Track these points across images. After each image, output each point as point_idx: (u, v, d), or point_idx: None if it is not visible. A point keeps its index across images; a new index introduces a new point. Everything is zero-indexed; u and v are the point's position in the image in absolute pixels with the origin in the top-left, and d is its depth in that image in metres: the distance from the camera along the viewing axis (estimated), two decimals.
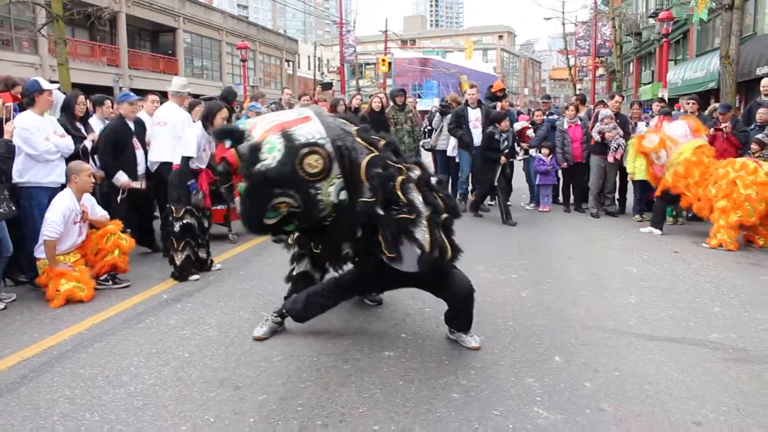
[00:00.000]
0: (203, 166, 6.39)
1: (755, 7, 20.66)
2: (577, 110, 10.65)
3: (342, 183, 3.96)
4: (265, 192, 3.90)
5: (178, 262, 6.30)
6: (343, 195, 3.97)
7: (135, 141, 7.02)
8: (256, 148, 3.94)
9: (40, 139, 5.89)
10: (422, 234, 3.88)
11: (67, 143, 6.16)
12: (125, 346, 4.56)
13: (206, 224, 6.59)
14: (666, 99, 14.71)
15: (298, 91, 28.20)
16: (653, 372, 4.10)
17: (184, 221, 6.25)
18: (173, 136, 7.13)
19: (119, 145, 6.81)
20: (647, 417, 3.51)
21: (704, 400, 3.70)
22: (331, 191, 3.94)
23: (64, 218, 5.65)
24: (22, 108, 6.16)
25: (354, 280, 4.61)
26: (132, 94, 7.13)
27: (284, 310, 4.72)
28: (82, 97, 7.02)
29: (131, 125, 7.01)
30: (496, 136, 9.48)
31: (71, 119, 6.77)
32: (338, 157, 3.96)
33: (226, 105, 6.65)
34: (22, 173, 5.91)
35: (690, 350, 4.48)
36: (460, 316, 4.53)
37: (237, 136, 4.16)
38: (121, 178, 6.78)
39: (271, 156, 3.86)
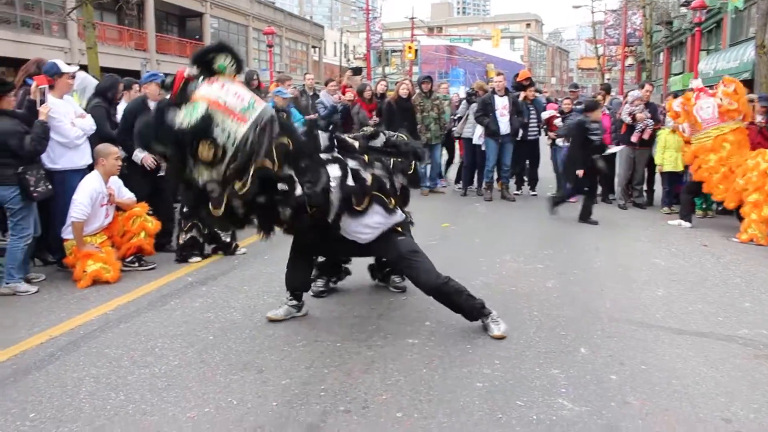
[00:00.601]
0: None
1: None
2: (604, 99, 10.50)
3: None
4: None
5: (180, 242, 6.37)
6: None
7: None
8: (181, 101, 3.93)
9: (67, 125, 5.94)
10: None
11: (90, 123, 6.19)
12: (150, 327, 4.59)
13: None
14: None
15: (324, 77, 28.10)
16: (681, 366, 4.03)
17: None
18: None
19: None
20: (674, 412, 3.44)
21: (733, 396, 3.62)
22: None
23: (91, 200, 5.70)
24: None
25: (316, 242, 4.78)
26: (160, 74, 7.05)
27: (288, 290, 4.83)
28: (121, 85, 7.07)
29: (152, 106, 6.91)
30: (587, 125, 8.86)
31: (108, 105, 6.81)
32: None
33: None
34: (55, 160, 5.96)
35: (719, 345, 4.40)
36: (453, 309, 4.54)
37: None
38: (139, 154, 6.59)
39: (185, 114, 3.85)
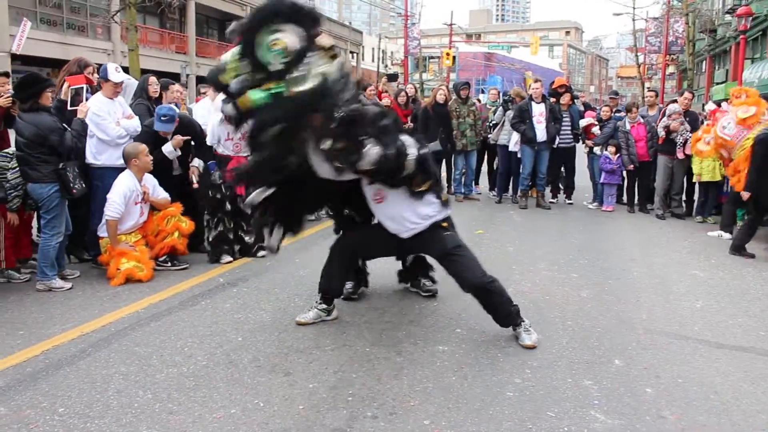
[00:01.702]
0: (231, 153, 6.44)
1: None
2: (637, 108, 10.36)
3: None
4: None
5: (210, 238, 6.43)
6: None
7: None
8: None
9: (111, 124, 6.04)
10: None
11: (135, 125, 6.27)
12: (180, 327, 4.61)
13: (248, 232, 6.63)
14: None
15: (362, 83, 28.30)
16: (720, 381, 3.90)
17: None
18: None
19: (156, 145, 6.39)
20: (712, 428, 3.33)
21: None
22: None
23: (125, 198, 5.76)
24: (94, 90, 6.31)
25: (357, 239, 4.85)
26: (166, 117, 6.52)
27: (319, 292, 4.77)
28: (152, 78, 7.16)
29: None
30: None
31: (150, 102, 6.89)
32: None
33: None
34: (96, 156, 6.09)
35: (760, 361, 4.25)
36: (490, 312, 4.44)
37: None
38: (167, 147, 6.44)
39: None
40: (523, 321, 4.43)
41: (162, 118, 6.23)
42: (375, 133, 4.05)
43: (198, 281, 5.81)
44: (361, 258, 5.20)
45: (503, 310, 4.41)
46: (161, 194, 6.25)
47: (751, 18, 21.38)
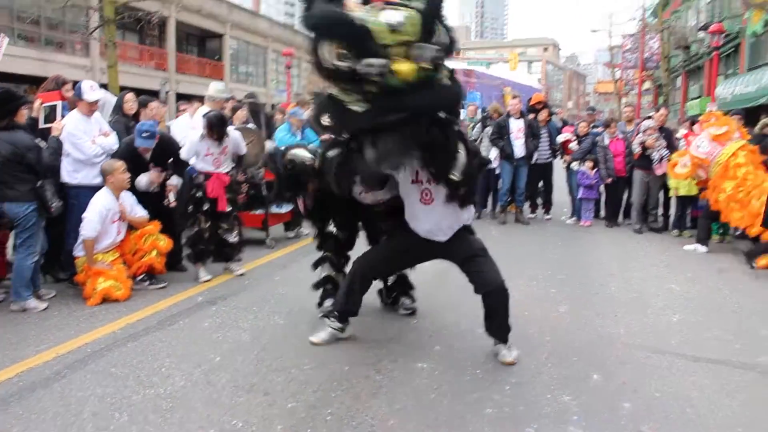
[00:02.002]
0: (210, 169, 6.40)
1: None
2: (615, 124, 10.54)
3: None
4: None
5: (187, 238, 6.43)
6: None
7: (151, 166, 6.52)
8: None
9: (87, 143, 5.99)
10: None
11: (111, 142, 6.23)
12: (158, 347, 4.56)
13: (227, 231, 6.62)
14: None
15: None
16: (696, 395, 3.93)
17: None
18: None
19: (133, 165, 6.22)
20: None
21: (751, 427, 3.52)
22: None
23: (101, 217, 5.71)
24: (72, 107, 6.27)
25: (380, 255, 4.78)
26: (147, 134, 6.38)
27: (335, 311, 4.70)
28: (129, 95, 7.12)
29: (149, 155, 6.45)
30: None
31: (126, 120, 6.86)
32: None
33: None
34: (73, 174, 6.04)
35: (736, 374, 4.29)
36: (494, 317, 4.41)
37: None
38: (143, 179, 6.37)
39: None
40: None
41: (143, 134, 6.19)
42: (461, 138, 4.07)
43: (176, 300, 5.76)
44: (385, 275, 5.20)
45: (504, 320, 4.42)
46: (139, 212, 6.20)
47: (723, 35, 21.77)
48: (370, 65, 3.44)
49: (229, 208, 6.52)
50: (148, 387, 3.87)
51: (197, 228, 6.37)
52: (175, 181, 6.61)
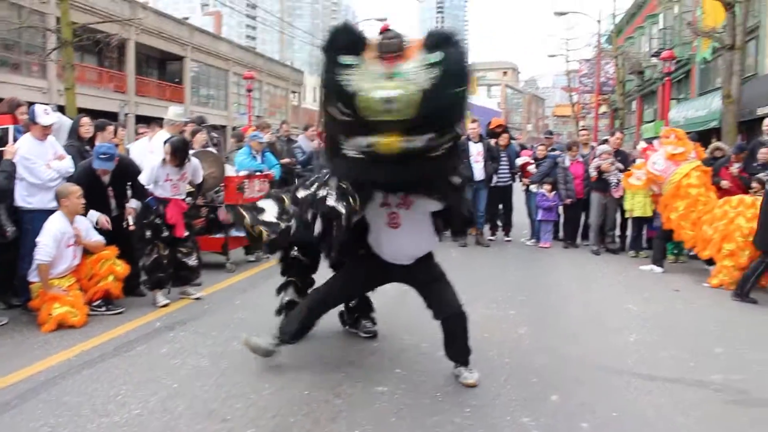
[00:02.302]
0: (168, 195, 6.34)
1: (756, 48, 20.81)
2: (578, 147, 10.77)
3: None
4: None
5: (145, 264, 6.29)
6: None
7: (110, 190, 6.45)
8: None
9: (42, 167, 5.90)
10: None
11: (66, 165, 6.14)
12: (114, 374, 4.47)
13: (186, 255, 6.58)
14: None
15: (303, 122, 28.28)
16: (652, 414, 4.00)
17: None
18: None
19: (88, 194, 6.06)
20: None
21: None
22: None
23: (56, 241, 5.60)
24: (26, 130, 6.17)
25: (334, 289, 4.71)
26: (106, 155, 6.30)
27: (278, 336, 4.64)
28: (85, 119, 7.04)
29: (107, 178, 6.37)
30: None
31: (81, 144, 6.77)
32: None
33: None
34: (27, 199, 5.93)
35: (691, 392, 4.38)
36: (453, 342, 4.46)
37: None
38: (93, 216, 6.28)
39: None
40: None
41: (101, 156, 6.10)
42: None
43: (134, 326, 5.66)
44: (340, 304, 5.18)
45: (464, 344, 4.46)
46: (95, 237, 6.09)
47: (674, 61, 22.44)
48: (354, 146, 3.67)
49: (186, 233, 6.46)
50: (103, 416, 3.79)
51: (155, 255, 6.28)
52: (134, 204, 6.54)
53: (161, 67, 37.93)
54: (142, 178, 6.31)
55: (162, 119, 8.15)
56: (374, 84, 3.56)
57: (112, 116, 23.00)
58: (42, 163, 5.92)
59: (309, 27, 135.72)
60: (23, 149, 5.86)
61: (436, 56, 3.58)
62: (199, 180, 6.78)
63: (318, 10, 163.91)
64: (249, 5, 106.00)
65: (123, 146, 8.95)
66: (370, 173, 3.85)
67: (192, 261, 6.56)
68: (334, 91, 3.64)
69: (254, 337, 4.64)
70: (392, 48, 3.68)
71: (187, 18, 42.30)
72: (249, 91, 28.06)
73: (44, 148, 6.03)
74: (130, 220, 6.51)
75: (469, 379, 4.38)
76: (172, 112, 7.81)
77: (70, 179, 6.09)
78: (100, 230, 6.21)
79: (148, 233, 6.25)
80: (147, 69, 36.27)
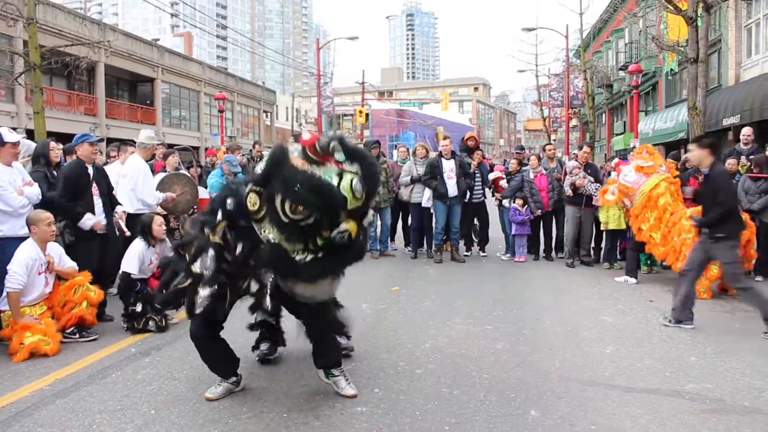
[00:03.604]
0: (147, 276, 6.44)
1: (719, 60, 21.31)
2: (539, 159, 10.98)
3: None
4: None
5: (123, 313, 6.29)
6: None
7: (94, 188, 6.65)
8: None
9: (13, 194, 5.85)
10: None
11: (36, 192, 6.11)
12: (88, 402, 4.40)
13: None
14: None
15: (276, 141, 28.17)
16: (630, 425, 4.03)
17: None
18: (131, 188, 7.14)
19: (78, 189, 6.46)
20: None
21: None
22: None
23: (27, 268, 5.52)
24: None
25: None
26: (91, 134, 6.86)
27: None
28: (53, 143, 6.98)
29: (90, 170, 6.66)
30: None
31: (49, 168, 6.72)
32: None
33: (157, 213, 6.65)
34: None
35: (666, 402, 4.43)
36: (321, 349, 4.56)
37: None
38: (88, 221, 6.42)
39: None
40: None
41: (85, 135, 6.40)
42: None
43: (108, 352, 5.58)
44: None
45: (337, 352, 4.66)
46: (68, 263, 6.02)
47: (641, 74, 22.88)
48: (341, 232, 3.76)
49: None
50: None
51: (132, 309, 6.29)
52: (120, 209, 6.80)
53: (132, 89, 37.71)
54: (130, 268, 6.30)
55: (134, 142, 8.10)
56: (339, 178, 3.73)
57: None
58: (12, 189, 5.86)
59: (280, 47, 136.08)
60: None
61: (340, 156, 3.81)
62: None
63: (288, 30, 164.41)
64: (219, 26, 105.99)
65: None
66: (335, 263, 3.98)
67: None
68: (323, 197, 3.68)
69: (210, 391, 4.49)
70: (331, 149, 3.80)
71: (157, 39, 42.25)
72: (221, 111, 27.98)
73: (13, 174, 5.98)
74: (122, 224, 6.75)
75: (348, 390, 4.51)
76: (144, 135, 7.77)
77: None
78: (79, 254, 6.19)
79: (139, 307, 6.20)
80: (118, 91, 36.04)
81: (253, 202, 3.81)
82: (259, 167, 3.90)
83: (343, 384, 4.49)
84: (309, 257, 3.78)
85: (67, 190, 6.41)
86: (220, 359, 4.56)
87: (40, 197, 6.13)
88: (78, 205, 6.42)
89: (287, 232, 3.74)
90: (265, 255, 3.90)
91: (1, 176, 5.83)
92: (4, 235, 5.85)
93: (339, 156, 3.77)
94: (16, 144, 6.04)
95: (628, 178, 8.49)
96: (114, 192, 7.06)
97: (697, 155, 6.52)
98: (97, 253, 6.64)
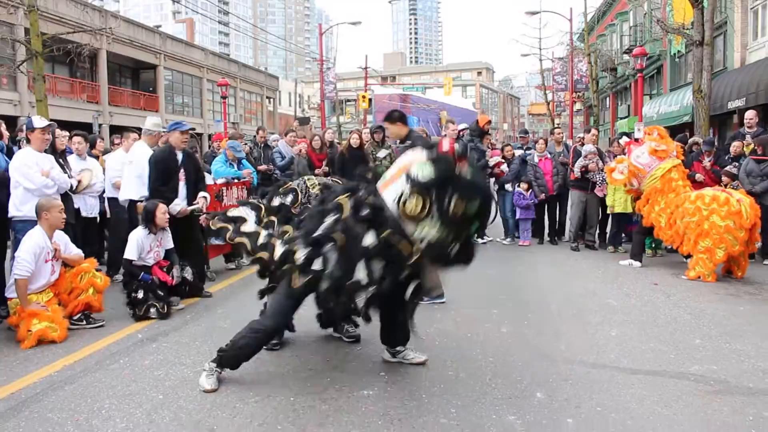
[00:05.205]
0: (152, 263, 6.48)
1: (724, 43, 21.17)
2: (546, 144, 10.93)
3: None
4: None
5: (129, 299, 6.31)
6: None
7: (182, 173, 6.93)
8: None
9: (36, 173, 5.95)
10: None
11: (66, 179, 6.30)
12: (97, 388, 4.43)
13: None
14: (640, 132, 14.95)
15: (279, 127, 28.15)
16: (635, 407, 4.05)
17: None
18: (137, 175, 7.16)
19: (166, 174, 6.79)
20: None
21: None
22: None
23: (35, 256, 5.54)
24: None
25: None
26: (184, 123, 7.05)
27: (217, 362, 4.48)
28: (58, 131, 7.04)
29: (180, 156, 6.93)
30: None
31: (54, 155, 6.77)
32: None
33: (160, 201, 6.65)
34: (19, 206, 6.03)
35: (671, 383, 4.45)
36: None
37: None
38: (176, 206, 6.78)
39: None
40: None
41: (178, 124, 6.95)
42: None
43: (115, 338, 5.61)
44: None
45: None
46: (74, 250, 6.05)
47: (646, 57, 22.74)
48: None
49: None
50: (88, 431, 3.76)
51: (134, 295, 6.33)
52: (203, 193, 7.19)
53: (135, 76, 37.65)
54: (130, 254, 6.35)
55: (136, 128, 8.11)
56: None
57: (87, 127, 22.76)
58: (37, 169, 6.05)
59: (282, 32, 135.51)
60: (21, 158, 6.07)
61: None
62: (170, 246, 6.79)
63: (291, 15, 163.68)
64: (221, 12, 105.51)
65: (102, 158, 8.89)
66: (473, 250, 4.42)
67: (189, 275, 6.72)
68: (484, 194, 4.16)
69: (203, 381, 4.45)
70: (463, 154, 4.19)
71: (159, 26, 42.06)
72: (224, 98, 27.92)
73: (42, 159, 6.23)
74: (202, 205, 7.01)
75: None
76: (150, 122, 7.77)
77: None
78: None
79: (140, 294, 6.21)
80: (120, 78, 35.99)
81: (415, 204, 3.99)
82: (418, 173, 4.02)
83: (411, 354, 4.77)
84: (458, 247, 4.13)
85: (158, 174, 6.75)
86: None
87: (68, 186, 6.28)
88: (167, 190, 6.76)
89: (450, 228, 4.01)
90: (430, 249, 4.08)
91: (28, 157, 6.00)
92: (24, 217, 5.91)
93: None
94: (45, 129, 6.17)
95: (640, 160, 8.44)
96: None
97: None
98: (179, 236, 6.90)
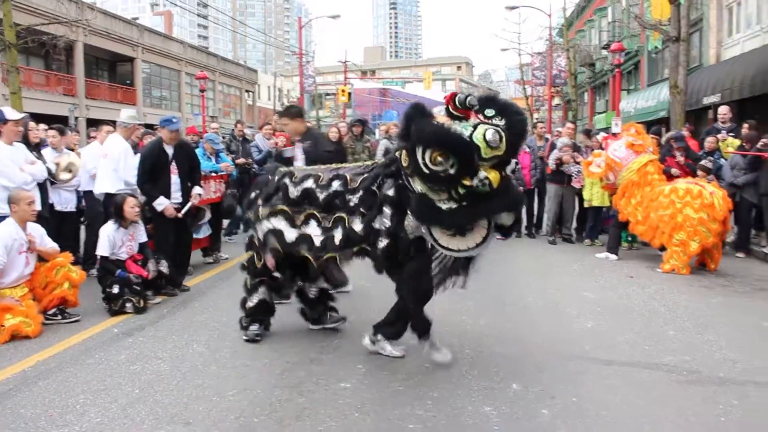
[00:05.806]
0: (126, 257, 6.42)
1: (700, 39, 21.39)
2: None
3: None
4: None
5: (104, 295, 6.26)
6: None
7: (173, 167, 6.82)
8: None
9: (15, 170, 5.85)
10: None
11: (41, 170, 6.24)
12: (72, 383, 4.39)
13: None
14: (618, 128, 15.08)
15: (258, 121, 27.98)
16: (611, 398, 4.10)
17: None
18: (113, 168, 7.09)
19: (155, 170, 6.68)
20: None
21: (660, 423, 3.71)
22: None
23: (6, 248, 5.47)
24: None
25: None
26: (174, 121, 6.90)
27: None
28: (32, 123, 6.94)
29: (170, 150, 6.80)
30: None
31: (28, 147, 6.68)
32: None
33: (130, 194, 6.62)
34: (1, 204, 5.93)
35: (645, 374, 4.51)
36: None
37: None
38: (159, 205, 6.65)
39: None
40: None
41: (167, 121, 6.79)
42: None
43: (91, 333, 5.55)
44: None
45: None
46: (49, 243, 5.97)
47: (624, 53, 22.92)
48: (482, 180, 4.04)
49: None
50: (62, 426, 3.72)
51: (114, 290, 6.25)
52: (198, 190, 7.10)
53: (112, 68, 37.21)
54: (101, 250, 6.29)
55: (112, 121, 8.02)
56: (477, 131, 4.08)
57: (63, 120, 22.45)
58: (14, 166, 5.93)
59: (261, 25, 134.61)
60: None
61: (490, 111, 4.21)
62: (144, 239, 6.72)
63: (270, 8, 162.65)
64: (200, 4, 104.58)
65: (77, 151, 8.79)
66: (479, 211, 4.25)
67: (165, 269, 6.64)
68: (455, 144, 4.05)
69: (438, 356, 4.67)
70: (468, 104, 4.19)
71: (136, 18, 41.62)
72: (202, 91, 27.76)
73: (15, 152, 6.11)
74: (195, 199, 6.97)
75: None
76: (125, 114, 7.69)
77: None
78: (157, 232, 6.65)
79: (115, 289, 6.14)
80: (97, 71, 35.55)
81: (404, 158, 4.21)
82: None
83: (389, 347, 4.82)
84: (453, 206, 4.14)
85: (145, 169, 6.62)
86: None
87: (45, 175, 6.18)
88: (155, 188, 6.64)
89: (430, 181, 4.10)
90: (413, 204, 4.22)
91: (2, 153, 5.85)
92: (6, 213, 5.84)
93: (489, 112, 4.20)
94: (18, 122, 6.06)
95: (618, 153, 8.52)
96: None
97: None
98: (173, 237, 6.85)
